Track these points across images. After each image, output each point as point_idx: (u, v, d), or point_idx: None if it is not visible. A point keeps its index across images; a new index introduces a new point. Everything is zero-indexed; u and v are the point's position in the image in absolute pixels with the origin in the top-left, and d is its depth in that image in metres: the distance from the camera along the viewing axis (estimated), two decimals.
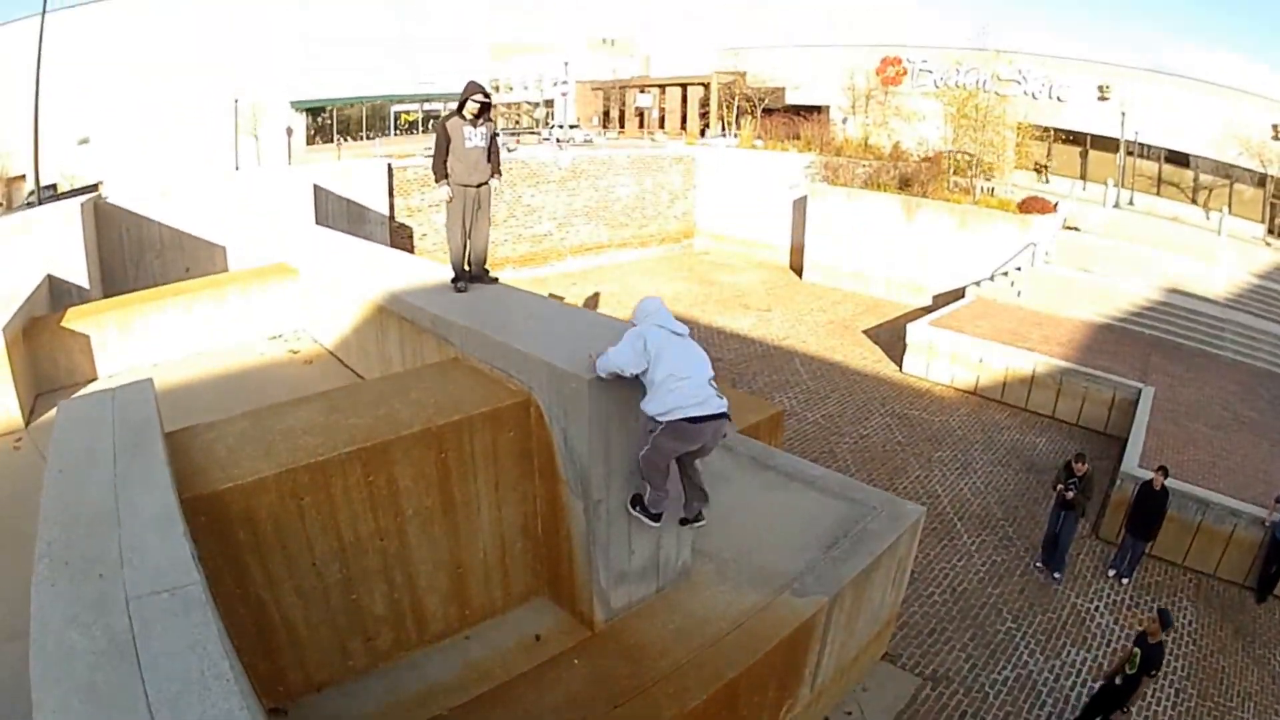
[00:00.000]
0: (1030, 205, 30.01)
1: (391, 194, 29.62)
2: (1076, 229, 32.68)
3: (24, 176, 44.32)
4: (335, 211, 24.07)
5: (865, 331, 26.24)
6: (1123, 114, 38.69)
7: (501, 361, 6.02)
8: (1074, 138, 42.04)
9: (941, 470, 16.73)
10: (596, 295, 29.88)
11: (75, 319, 10.26)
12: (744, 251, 38.29)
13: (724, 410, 5.14)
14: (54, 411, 5.53)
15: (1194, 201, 38.88)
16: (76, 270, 13.40)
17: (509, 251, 33.28)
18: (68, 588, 3.35)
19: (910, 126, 42.24)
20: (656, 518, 5.65)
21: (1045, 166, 40.51)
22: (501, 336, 6.08)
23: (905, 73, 48.31)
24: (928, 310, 26.22)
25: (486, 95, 7.64)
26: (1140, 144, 39.51)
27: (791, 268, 35.39)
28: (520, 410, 5.77)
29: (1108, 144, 41.03)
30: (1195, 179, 39.46)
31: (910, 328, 22.50)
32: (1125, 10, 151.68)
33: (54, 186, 39.49)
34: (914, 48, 48.80)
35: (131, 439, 4.86)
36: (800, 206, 34.75)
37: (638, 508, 5.64)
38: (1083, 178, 42.05)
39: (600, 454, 5.39)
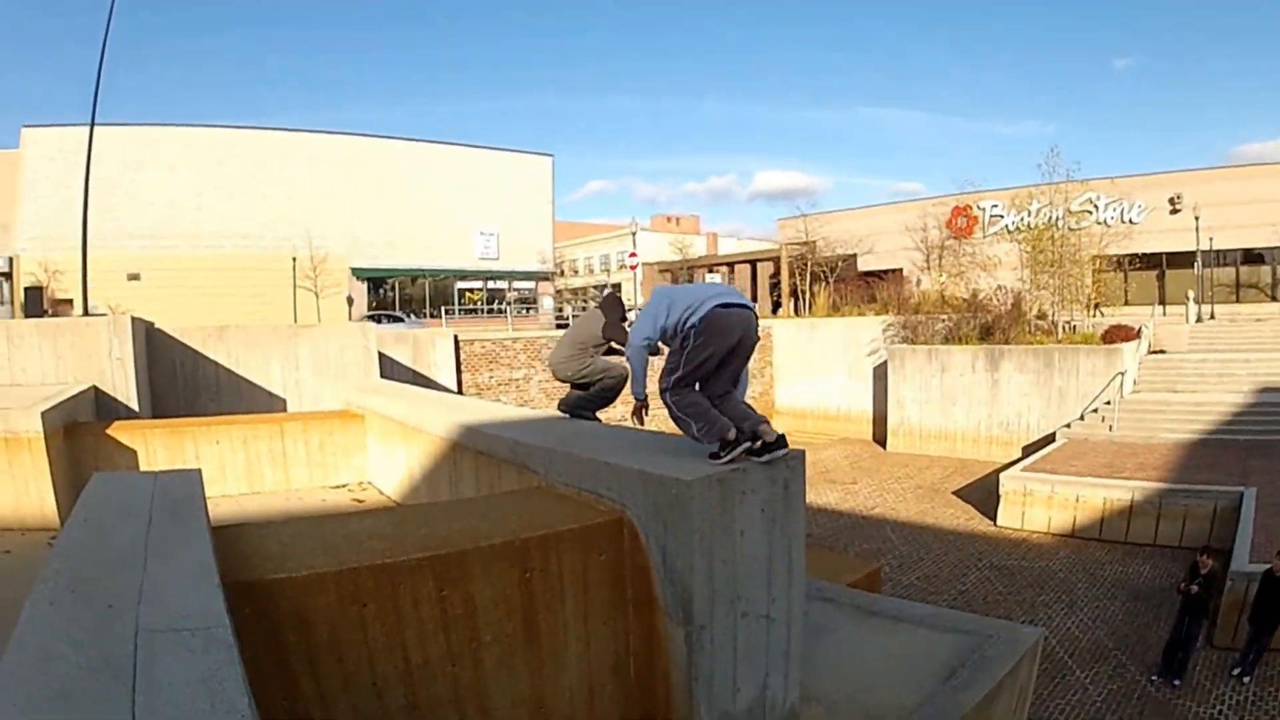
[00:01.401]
0: (1114, 334, 30.42)
1: (459, 368, 30.14)
2: (1161, 351, 32.80)
3: (71, 301, 46.10)
4: (399, 380, 24.29)
5: (955, 492, 26.24)
6: (1196, 218, 39.12)
7: (590, 482, 5.58)
8: (1149, 260, 42.84)
9: (1046, 612, 16.63)
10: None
11: (122, 431, 10.34)
12: (825, 427, 38.13)
13: (749, 303, 5.38)
14: (80, 497, 5.21)
15: (1273, 298, 40.05)
16: (125, 389, 13.43)
17: None
18: (68, 608, 2.99)
19: (987, 273, 42.36)
20: (751, 439, 5.10)
21: (1099, 303, 40.13)
22: (592, 455, 5.68)
23: (976, 220, 48.84)
24: (1017, 463, 25.88)
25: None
26: (1215, 251, 40.30)
27: (874, 439, 35.43)
28: (613, 530, 5.25)
29: (1183, 260, 41.68)
30: (1274, 273, 40.58)
31: (1003, 477, 22.36)
32: (1186, 112, 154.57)
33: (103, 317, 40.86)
34: (984, 193, 49.50)
35: (171, 506, 4.64)
36: (881, 373, 34.94)
37: (726, 450, 5.06)
38: (1161, 301, 42.61)
39: (705, 571, 4.90)
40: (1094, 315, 36.44)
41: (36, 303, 43.05)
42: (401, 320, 44.08)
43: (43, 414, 9.09)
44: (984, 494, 24.48)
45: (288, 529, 5.07)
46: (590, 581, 5.21)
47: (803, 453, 5.37)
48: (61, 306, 46.36)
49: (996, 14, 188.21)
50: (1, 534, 8.76)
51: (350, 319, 51.14)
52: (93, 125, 27.17)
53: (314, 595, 4.22)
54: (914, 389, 32.62)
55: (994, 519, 22.35)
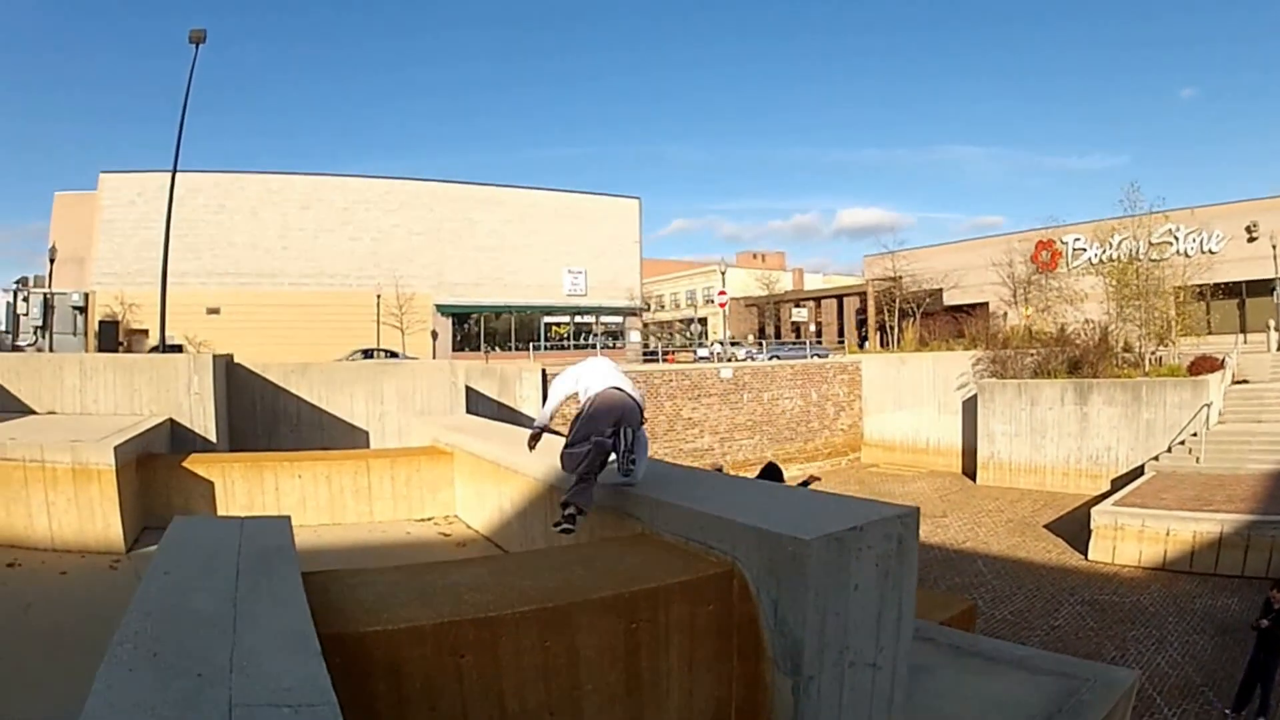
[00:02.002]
0: (1200, 366, 30.63)
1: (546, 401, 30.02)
2: (1244, 381, 32.66)
3: (147, 331, 47.69)
4: (485, 413, 24.37)
5: (1046, 526, 26.00)
6: (1274, 246, 39.78)
7: (699, 534, 5.48)
8: (1229, 289, 42.25)
9: (1137, 648, 16.55)
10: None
11: (199, 464, 10.49)
12: (913, 460, 38.12)
13: (634, 395, 6.67)
14: (158, 544, 5.07)
15: None
16: (203, 422, 13.51)
17: None
18: (149, 677, 2.74)
19: (1073, 307, 42.15)
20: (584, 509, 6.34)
21: (1182, 333, 39.74)
22: (701, 507, 5.58)
23: (1059, 254, 48.75)
24: (1106, 495, 25.38)
25: None
26: None
27: (964, 472, 35.22)
28: (722, 582, 5.14)
29: (1262, 288, 41.98)
30: None
31: (1095, 512, 22.10)
32: (1256, 140, 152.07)
33: (179, 347, 41.59)
34: (1066, 227, 49.67)
35: (258, 558, 4.53)
36: (970, 407, 34.85)
37: (570, 513, 6.22)
38: (1242, 330, 42.67)
39: (816, 624, 4.80)
40: (1175, 346, 35.84)
41: (111, 336, 44.26)
42: (395, 355, 44.02)
43: (115, 448, 9.20)
44: (1075, 527, 24.21)
45: (384, 578, 4.91)
46: (696, 631, 5.10)
47: (916, 510, 5.41)
48: (136, 337, 48.10)
49: (1057, 48, 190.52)
50: (61, 555, 8.91)
51: (434, 353, 52.44)
52: (174, 172, 28.36)
53: (411, 647, 4.11)
54: (1004, 422, 32.39)
55: (1085, 553, 22.07)
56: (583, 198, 63.86)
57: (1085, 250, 47.79)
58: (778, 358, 46.64)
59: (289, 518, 5.67)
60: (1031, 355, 34.32)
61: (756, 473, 12.01)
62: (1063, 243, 49.40)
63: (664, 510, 5.91)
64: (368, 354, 45.01)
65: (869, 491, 32.24)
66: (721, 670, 5.29)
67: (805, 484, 12.23)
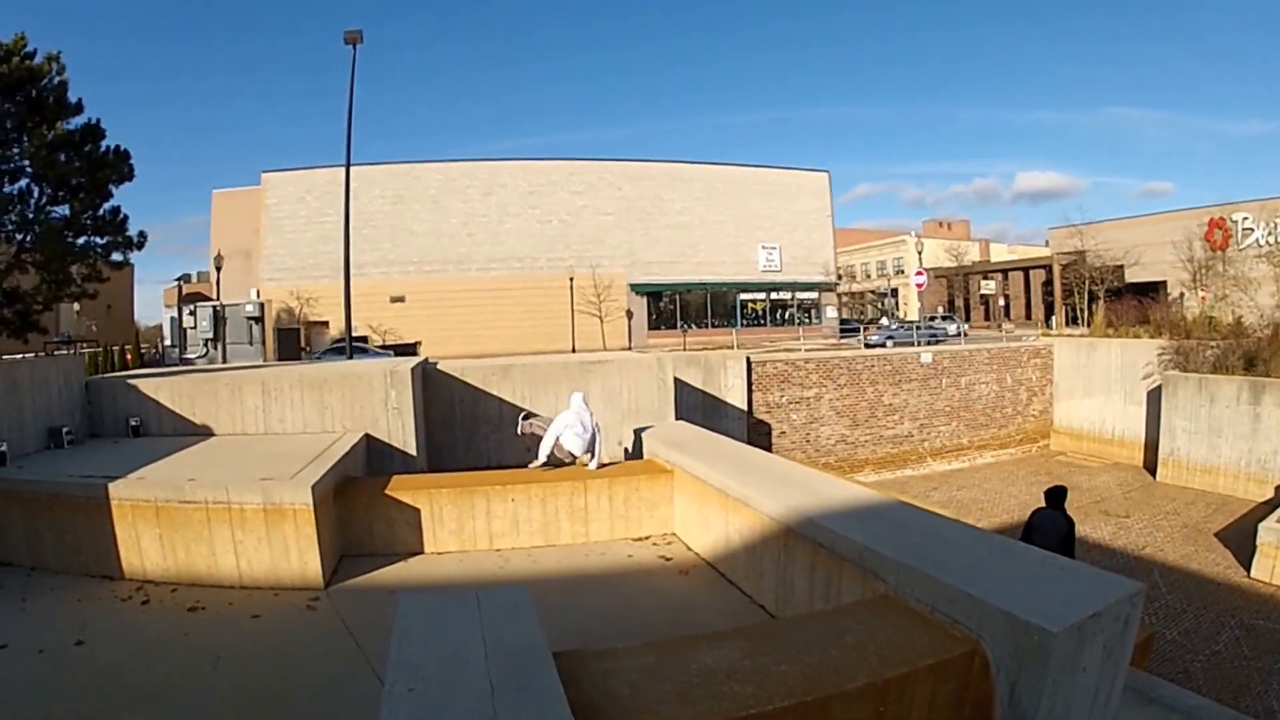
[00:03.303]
0: None
1: (750, 388, 30.72)
2: None
3: (327, 323, 50.77)
4: (690, 404, 24.55)
5: (1217, 534, 24.85)
6: None
7: (946, 605, 5.62)
8: None
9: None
10: None
11: (403, 490, 10.50)
12: (1099, 449, 37.07)
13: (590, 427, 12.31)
14: (393, 640, 4.80)
15: None
16: (401, 436, 13.52)
17: (868, 454, 33.71)
18: None
19: (1247, 296, 40.35)
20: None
21: None
22: (949, 578, 5.70)
23: (1229, 233, 46.82)
24: (1270, 502, 24.89)
25: None
26: None
27: (1145, 466, 34.03)
28: (965, 661, 5.31)
29: None
30: None
31: (1262, 527, 21.10)
32: None
33: (364, 339, 43.09)
34: (1235, 204, 48.17)
35: (511, 667, 4.36)
36: (1154, 398, 33.60)
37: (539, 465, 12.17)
38: None
39: (1048, 705, 5.12)
40: None
41: (292, 344, 44.86)
42: (366, 351, 38.68)
43: (313, 487, 9.10)
44: (1241, 538, 23.28)
45: (636, 661, 4.88)
46: (935, 708, 5.28)
47: (1142, 588, 5.61)
48: (316, 329, 50.15)
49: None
50: (251, 593, 8.89)
51: (629, 333, 53.66)
52: (348, 165, 29.50)
53: None
54: (1184, 418, 31.14)
55: (1248, 569, 21.25)
56: (771, 172, 64.07)
57: (1254, 230, 46.00)
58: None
59: (528, 594, 5.54)
60: (1212, 348, 32.80)
61: (1046, 489, 12.31)
62: (1232, 221, 47.73)
63: (911, 575, 5.98)
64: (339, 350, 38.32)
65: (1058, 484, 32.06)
66: None
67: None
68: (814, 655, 5.08)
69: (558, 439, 12.13)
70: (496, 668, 4.30)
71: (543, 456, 12.12)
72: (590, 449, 12.19)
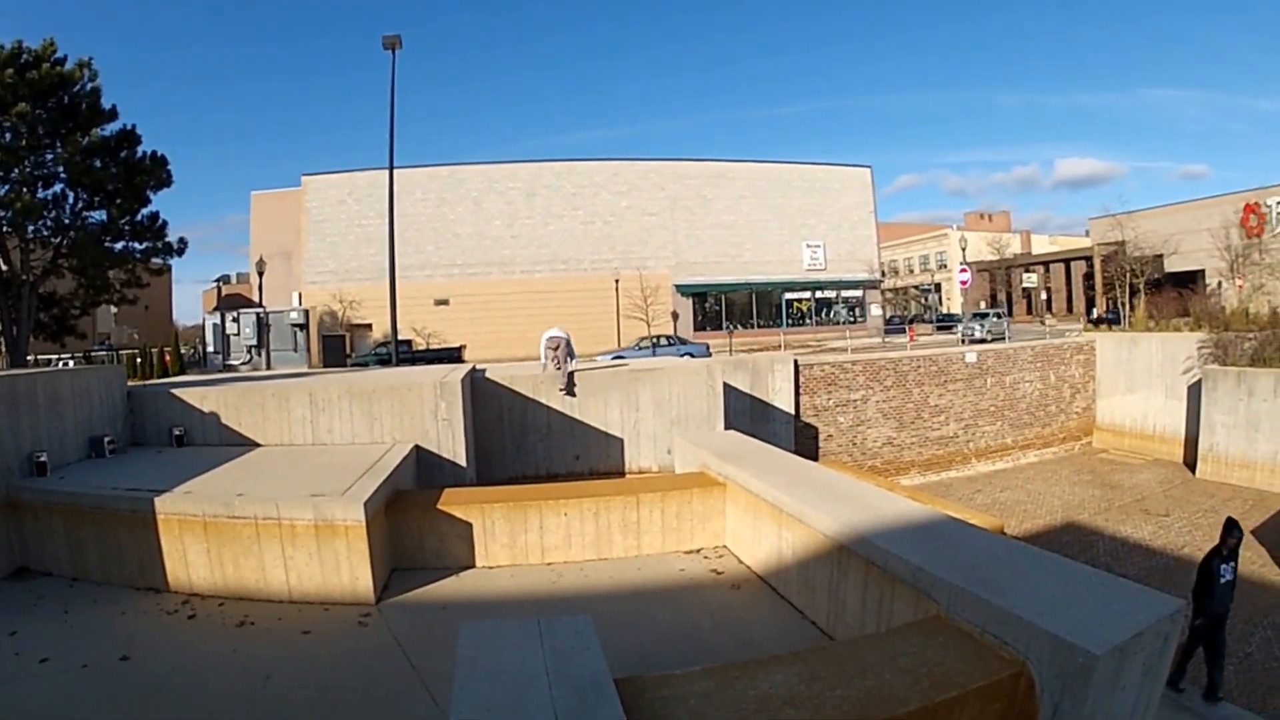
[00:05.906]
0: None
1: (798, 392, 30.86)
2: None
3: (370, 326, 51.44)
4: (738, 408, 24.73)
5: (1253, 531, 24.57)
6: None
7: (996, 627, 5.68)
8: None
9: None
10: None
11: (455, 504, 10.53)
12: (1140, 446, 37.01)
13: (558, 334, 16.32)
14: (455, 670, 4.86)
15: None
16: (451, 447, 13.57)
17: (914, 455, 33.74)
18: None
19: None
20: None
21: None
22: (1000, 600, 5.75)
23: (1264, 218, 46.32)
24: None
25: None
26: None
27: (1185, 462, 33.95)
28: (1012, 682, 5.38)
29: None
30: None
31: None
32: None
33: (409, 343, 43.48)
34: (1270, 189, 47.84)
35: (576, 701, 4.42)
36: (1194, 393, 33.42)
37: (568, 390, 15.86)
38: None
39: None
40: None
41: (338, 350, 45.64)
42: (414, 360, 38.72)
43: (365, 503, 9.11)
44: (1276, 535, 23.57)
45: (693, 687, 4.94)
46: None
47: (1182, 605, 5.64)
48: (359, 331, 50.67)
49: None
50: (301, 608, 8.90)
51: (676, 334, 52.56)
52: (391, 168, 30.08)
53: None
54: (1223, 413, 31.03)
55: None
56: (814, 168, 63.98)
57: None
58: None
59: (591, 624, 5.58)
60: (1250, 340, 32.72)
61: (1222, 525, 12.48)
62: (1266, 205, 47.27)
63: (963, 597, 6.04)
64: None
65: (1100, 483, 31.96)
66: None
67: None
68: (868, 680, 5.13)
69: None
70: (561, 700, 4.37)
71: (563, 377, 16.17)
72: (558, 364, 16.22)
